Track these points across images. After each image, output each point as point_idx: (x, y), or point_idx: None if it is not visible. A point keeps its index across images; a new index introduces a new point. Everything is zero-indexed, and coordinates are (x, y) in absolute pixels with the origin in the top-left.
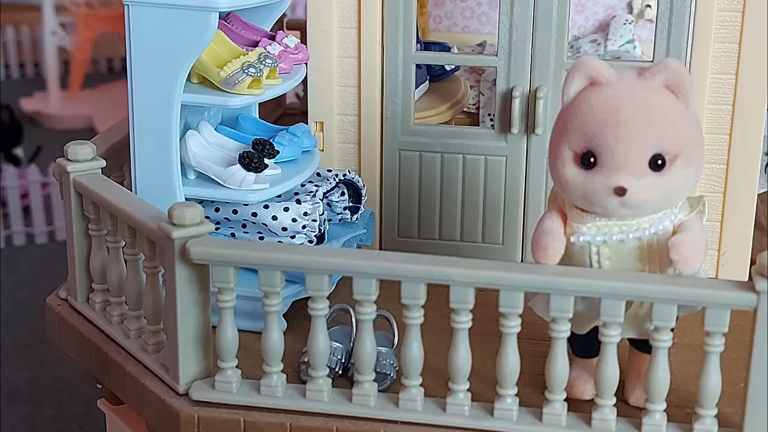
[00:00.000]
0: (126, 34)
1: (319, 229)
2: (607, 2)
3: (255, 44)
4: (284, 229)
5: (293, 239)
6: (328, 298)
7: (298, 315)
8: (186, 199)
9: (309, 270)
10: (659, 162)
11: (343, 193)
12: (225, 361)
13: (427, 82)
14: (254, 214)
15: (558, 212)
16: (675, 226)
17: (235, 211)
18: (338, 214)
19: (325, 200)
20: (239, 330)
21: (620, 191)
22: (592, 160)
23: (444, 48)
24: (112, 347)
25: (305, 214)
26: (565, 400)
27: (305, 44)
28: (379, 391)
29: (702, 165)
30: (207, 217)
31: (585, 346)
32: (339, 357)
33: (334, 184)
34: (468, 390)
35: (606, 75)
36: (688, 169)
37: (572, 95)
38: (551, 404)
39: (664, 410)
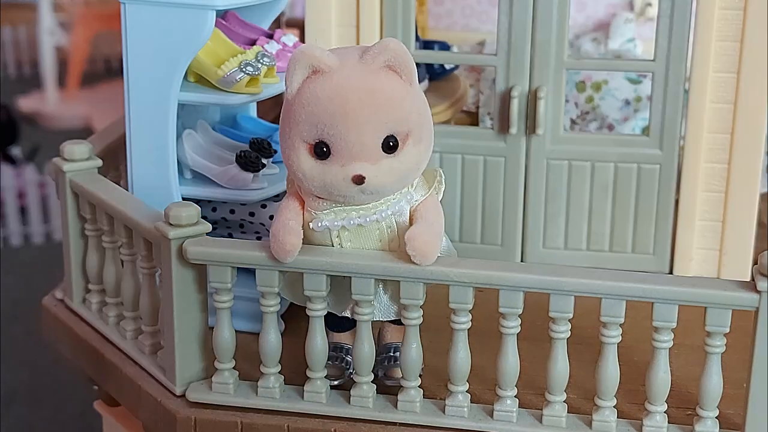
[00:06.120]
0: (122, 32)
1: None
2: (608, 0)
3: (253, 43)
4: None
5: None
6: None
7: (296, 316)
8: (183, 199)
9: (307, 270)
10: (391, 144)
11: None
12: (222, 363)
13: (427, 80)
14: (251, 214)
15: (296, 198)
16: (412, 207)
17: (232, 211)
18: None
19: None
20: (237, 331)
21: (358, 179)
22: (325, 149)
23: (443, 47)
24: (108, 348)
25: None
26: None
27: (304, 43)
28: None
29: (432, 138)
30: (204, 217)
31: (338, 323)
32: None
33: None
34: (467, 391)
35: (328, 63)
36: (420, 146)
37: (297, 87)
38: (551, 406)
39: (665, 412)
